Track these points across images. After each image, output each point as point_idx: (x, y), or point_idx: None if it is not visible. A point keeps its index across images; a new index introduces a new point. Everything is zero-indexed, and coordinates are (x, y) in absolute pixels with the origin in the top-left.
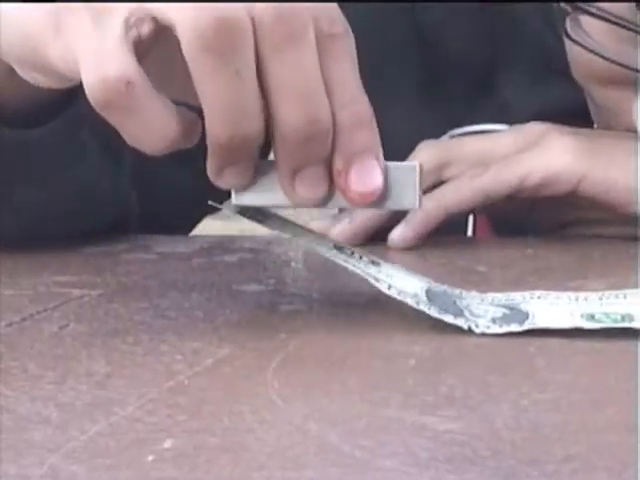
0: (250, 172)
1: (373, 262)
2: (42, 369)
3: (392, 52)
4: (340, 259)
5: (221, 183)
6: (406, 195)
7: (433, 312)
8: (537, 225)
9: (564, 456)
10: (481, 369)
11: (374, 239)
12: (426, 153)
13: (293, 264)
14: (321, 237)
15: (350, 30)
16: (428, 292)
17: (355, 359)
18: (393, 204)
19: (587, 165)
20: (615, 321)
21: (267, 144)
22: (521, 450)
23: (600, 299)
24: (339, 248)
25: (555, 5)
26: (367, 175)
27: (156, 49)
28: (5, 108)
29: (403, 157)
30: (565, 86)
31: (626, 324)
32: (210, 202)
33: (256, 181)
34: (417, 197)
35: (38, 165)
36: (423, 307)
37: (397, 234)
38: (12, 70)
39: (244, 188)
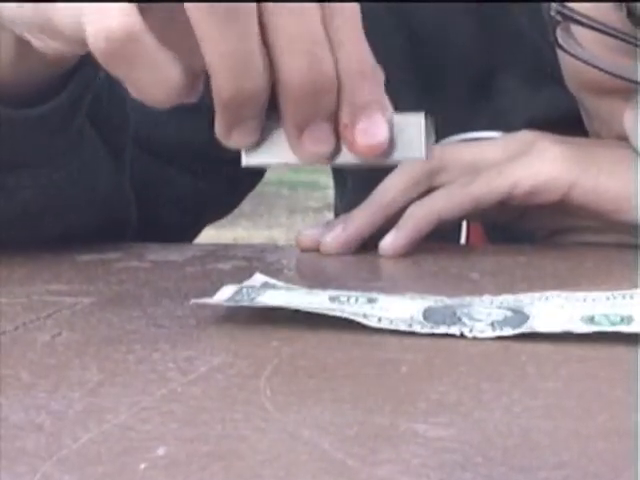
0: (258, 131)
1: (369, 300)
2: (35, 377)
3: (390, 55)
4: (331, 310)
5: (230, 143)
6: (413, 146)
7: (425, 329)
8: (529, 232)
9: (556, 463)
10: (473, 376)
11: (367, 246)
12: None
13: (286, 272)
14: (315, 294)
15: None
16: (426, 311)
17: (347, 367)
18: (401, 155)
19: (576, 173)
20: (613, 324)
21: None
22: (513, 457)
23: (608, 299)
24: (334, 298)
25: (546, 15)
26: (373, 127)
27: (158, 9)
28: (5, 89)
29: None
30: (562, 91)
31: (623, 326)
32: (194, 301)
33: (264, 140)
34: (424, 147)
35: (35, 148)
36: (416, 327)
37: (388, 241)
38: (22, 45)
39: (253, 148)
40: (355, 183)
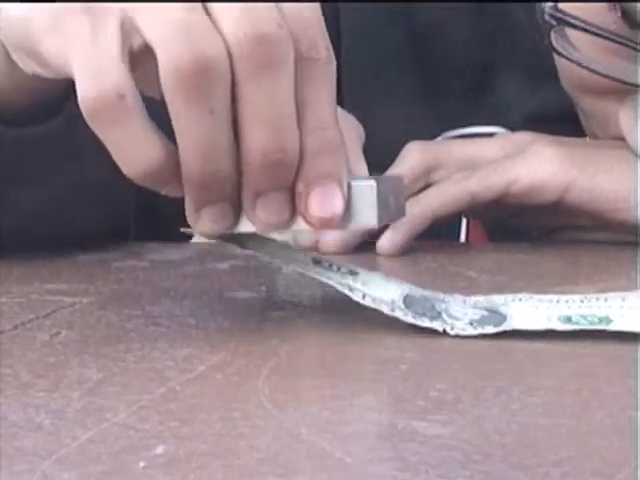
0: (228, 219)
1: (351, 272)
2: (34, 376)
3: (390, 53)
4: (317, 273)
5: (199, 226)
6: (365, 214)
7: (409, 318)
8: (527, 230)
9: (554, 460)
10: (471, 374)
11: (364, 246)
12: (415, 156)
13: (284, 271)
14: (299, 252)
15: (332, 54)
16: (406, 298)
17: (346, 365)
18: (352, 224)
19: (573, 174)
20: (592, 323)
21: None
22: (511, 454)
23: (582, 301)
24: (317, 262)
25: (540, 18)
26: (327, 200)
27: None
28: (3, 106)
29: None
30: (561, 88)
31: (602, 326)
32: (183, 229)
33: None
34: (376, 215)
35: (34, 164)
36: (398, 313)
37: (385, 240)
38: (12, 62)
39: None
40: None
